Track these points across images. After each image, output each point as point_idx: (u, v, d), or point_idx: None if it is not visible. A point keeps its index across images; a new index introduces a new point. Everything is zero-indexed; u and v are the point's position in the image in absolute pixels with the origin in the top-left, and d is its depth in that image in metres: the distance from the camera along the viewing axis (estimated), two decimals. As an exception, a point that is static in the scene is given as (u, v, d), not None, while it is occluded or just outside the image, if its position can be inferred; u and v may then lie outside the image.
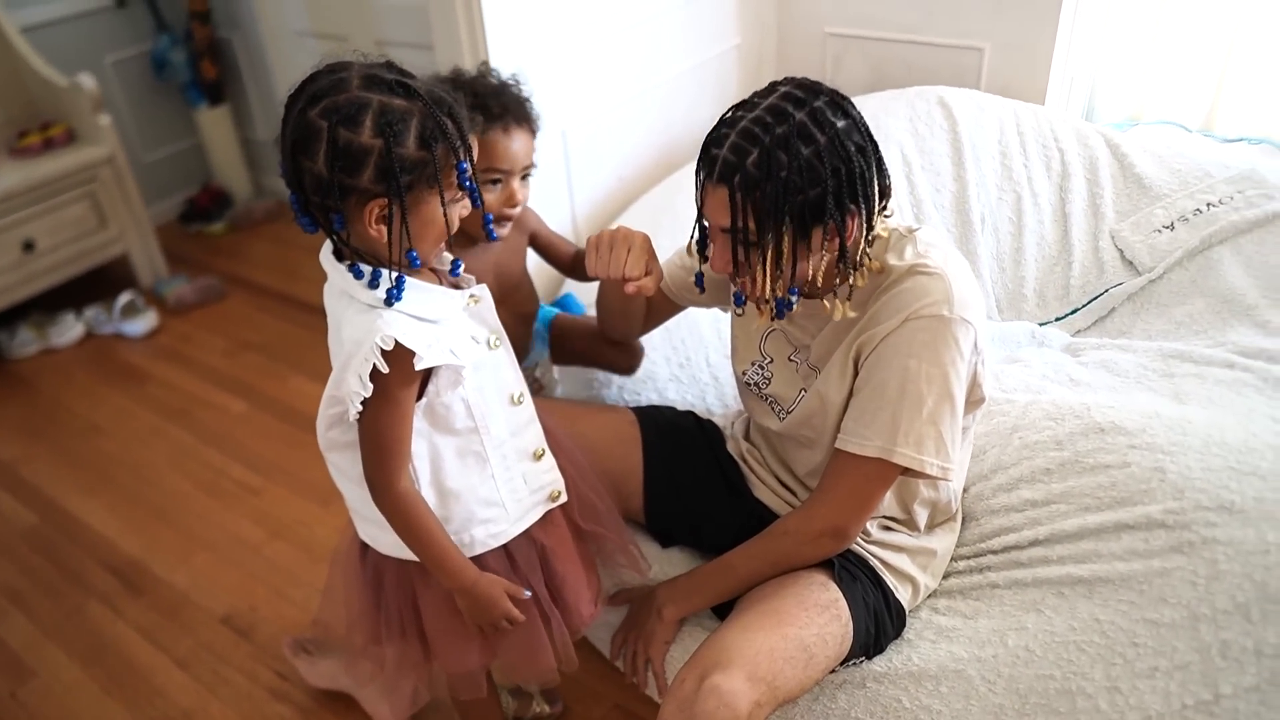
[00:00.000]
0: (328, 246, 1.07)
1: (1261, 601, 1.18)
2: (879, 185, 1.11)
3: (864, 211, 1.10)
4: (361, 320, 1.01)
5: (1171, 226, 1.92)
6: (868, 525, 1.31)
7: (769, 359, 1.33)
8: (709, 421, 1.53)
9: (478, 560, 1.16)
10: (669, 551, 1.50)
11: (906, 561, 1.31)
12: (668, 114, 2.48)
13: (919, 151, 2.11)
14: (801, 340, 1.29)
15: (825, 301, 1.17)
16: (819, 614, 1.17)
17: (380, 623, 1.21)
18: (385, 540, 1.16)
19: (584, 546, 1.30)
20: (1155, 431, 1.36)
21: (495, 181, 1.37)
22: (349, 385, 1.00)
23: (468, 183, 1.02)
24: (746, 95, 1.15)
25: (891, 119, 2.15)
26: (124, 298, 2.83)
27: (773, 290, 1.12)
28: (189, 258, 3.29)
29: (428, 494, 1.12)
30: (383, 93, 0.96)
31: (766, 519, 1.38)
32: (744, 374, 1.37)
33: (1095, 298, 1.93)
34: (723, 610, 1.38)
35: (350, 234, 1.00)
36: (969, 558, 1.39)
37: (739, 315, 1.34)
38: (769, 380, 1.33)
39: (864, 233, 1.12)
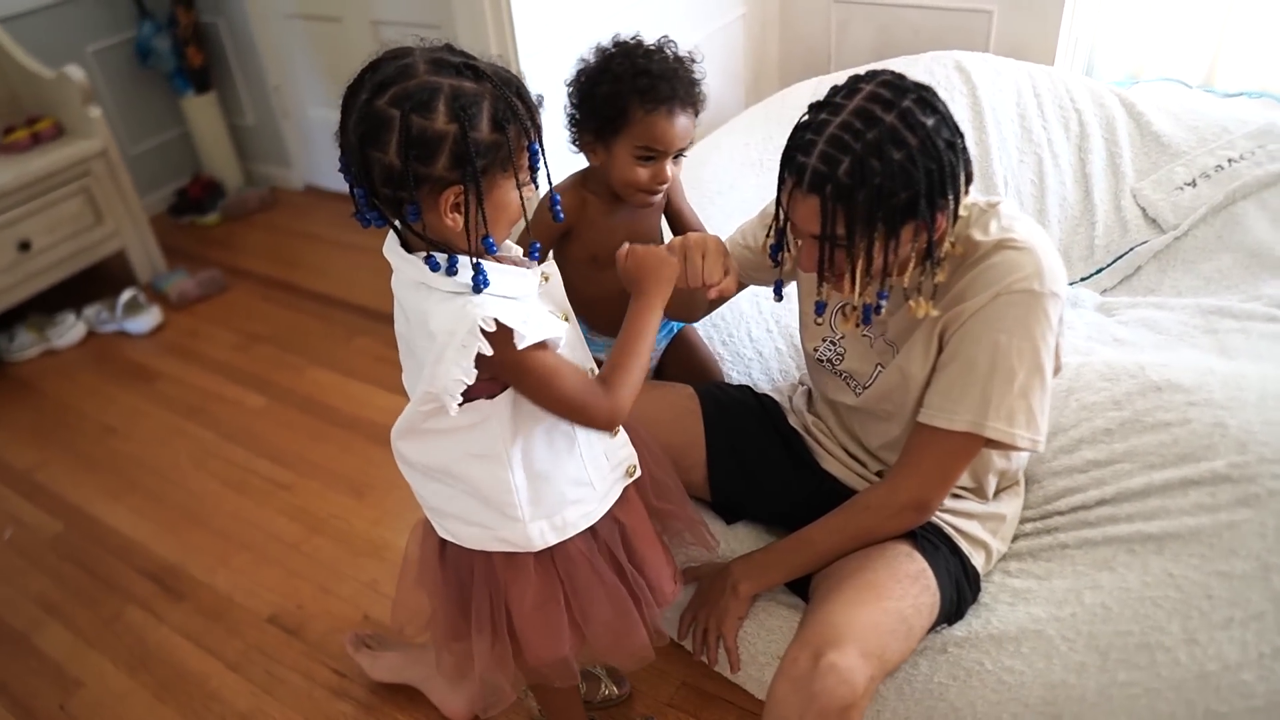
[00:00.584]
0: (392, 239, 1.03)
1: (1333, 549, 1.22)
2: (965, 174, 1.11)
3: (954, 204, 1.10)
4: (449, 308, 0.98)
5: (1194, 183, 1.95)
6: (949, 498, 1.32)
7: (840, 335, 1.34)
8: (767, 396, 1.54)
9: (566, 544, 1.16)
10: (734, 528, 1.51)
11: (978, 528, 1.33)
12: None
13: (940, 117, 2.12)
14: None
15: (911, 302, 1.16)
16: (911, 585, 1.19)
17: (467, 620, 1.20)
18: (467, 534, 1.15)
19: (656, 525, 1.30)
20: (1212, 388, 1.39)
21: (648, 159, 1.36)
22: (449, 375, 0.96)
23: (539, 163, 1.00)
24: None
25: (910, 85, 2.15)
26: (126, 294, 2.77)
27: (861, 296, 1.12)
28: (183, 251, 3.22)
29: (519, 479, 1.09)
30: (451, 76, 0.93)
31: (836, 490, 1.39)
32: (815, 350, 1.37)
33: (1120, 256, 1.96)
34: (797, 586, 1.39)
35: (424, 224, 0.98)
36: (1036, 520, 1.41)
37: (817, 310, 1.31)
38: (842, 356, 1.34)
39: (951, 224, 1.12)
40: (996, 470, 1.34)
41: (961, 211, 1.17)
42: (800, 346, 1.48)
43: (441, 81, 0.92)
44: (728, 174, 2.09)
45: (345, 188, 0.99)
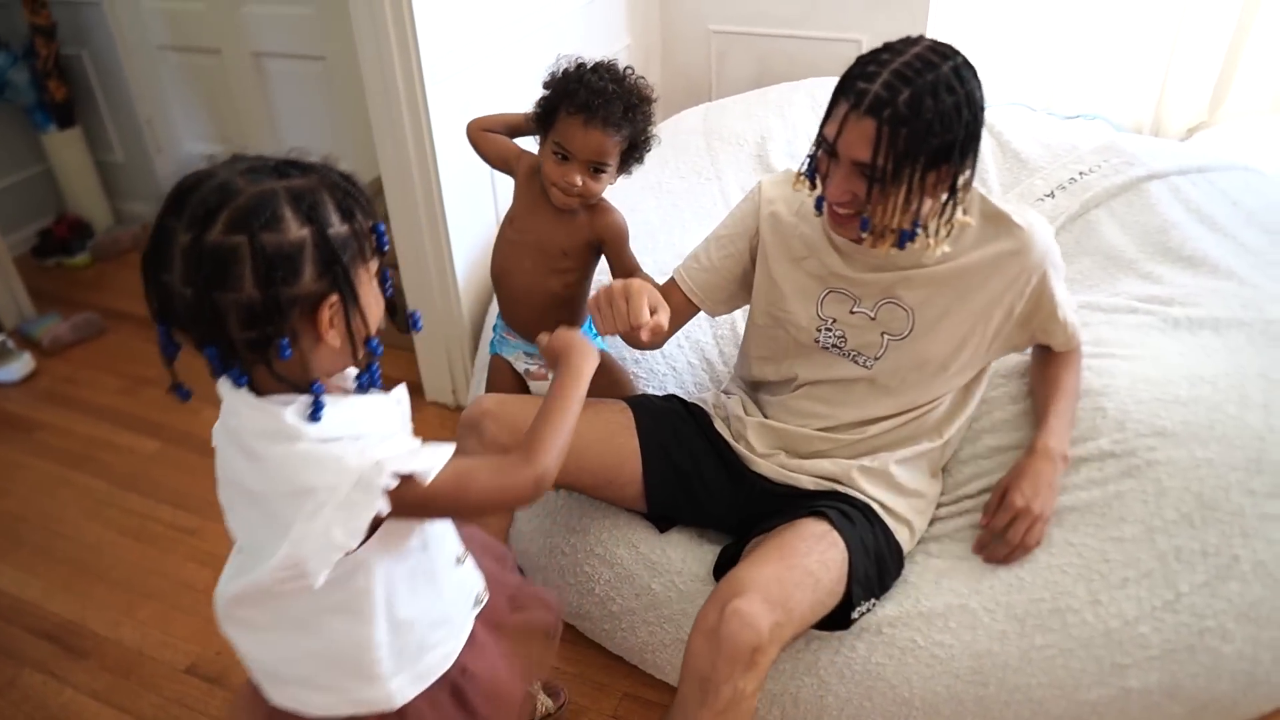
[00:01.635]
0: (226, 383, 0.88)
1: (1201, 509, 1.38)
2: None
3: (974, 164, 1.23)
4: (322, 459, 0.85)
5: (1052, 195, 2.14)
6: (895, 468, 1.44)
7: (832, 319, 1.43)
8: (694, 404, 1.60)
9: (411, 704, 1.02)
10: (668, 535, 1.56)
11: (903, 505, 1.44)
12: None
13: (825, 139, 2.26)
14: (856, 291, 1.39)
15: (930, 238, 1.28)
16: (816, 543, 1.29)
17: None
18: (316, 701, 1.00)
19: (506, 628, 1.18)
20: (1088, 378, 1.54)
21: (563, 157, 1.51)
22: (325, 538, 0.84)
23: (385, 244, 0.91)
24: None
25: (796, 110, 2.29)
26: (-8, 343, 2.60)
27: (899, 222, 1.22)
28: (53, 294, 3.04)
29: (382, 632, 0.96)
30: (277, 178, 0.83)
31: (768, 490, 1.46)
32: (817, 340, 1.45)
33: (994, 263, 2.13)
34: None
35: (301, 355, 0.85)
36: (950, 504, 1.53)
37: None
38: (844, 338, 1.43)
39: (968, 183, 1.25)
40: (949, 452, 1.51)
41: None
42: (748, 353, 1.56)
43: (274, 187, 0.82)
44: (627, 198, 2.16)
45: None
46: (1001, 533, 1.39)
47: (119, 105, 3.20)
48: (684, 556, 1.52)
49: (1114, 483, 1.43)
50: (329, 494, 0.84)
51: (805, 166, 1.32)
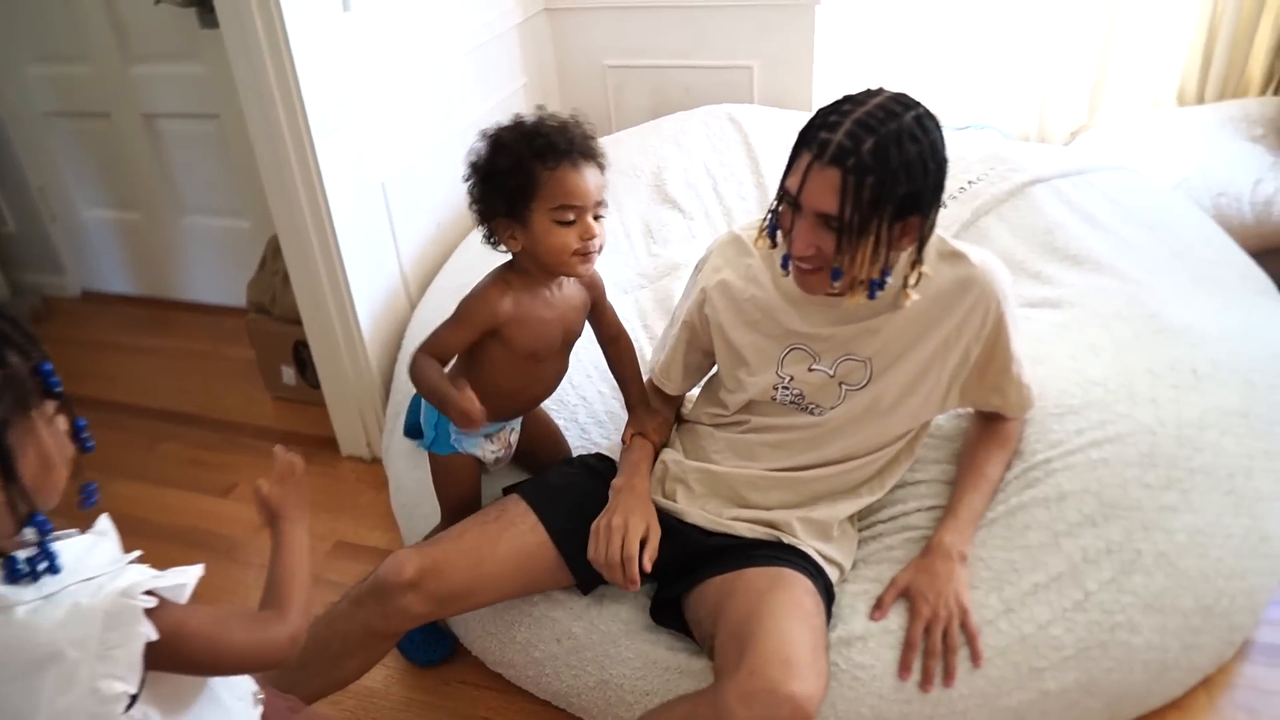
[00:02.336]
0: None
1: (1101, 508, 1.42)
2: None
3: (936, 213, 1.22)
4: (52, 616, 0.74)
5: (944, 204, 2.20)
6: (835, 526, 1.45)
7: (789, 377, 1.41)
8: (596, 457, 1.59)
9: None
10: (596, 594, 1.53)
11: (835, 550, 1.45)
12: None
13: (720, 165, 2.29)
14: (816, 347, 1.38)
15: (909, 291, 1.27)
16: (815, 604, 1.31)
17: None
18: None
19: None
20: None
21: (569, 222, 1.32)
22: (103, 697, 0.75)
23: (57, 382, 0.82)
24: None
25: (691, 139, 2.32)
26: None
27: (870, 272, 1.20)
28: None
29: None
30: None
31: (701, 539, 1.45)
32: (774, 398, 1.43)
33: (895, 276, 2.18)
34: (665, 615, 1.46)
35: None
36: (864, 530, 1.54)
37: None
38: (802, 395, 1.41)
39: (931, 232, 1.23)
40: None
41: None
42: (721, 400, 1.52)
43: None
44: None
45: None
46: (921, 643, 1.35)
47: (9, 175, 3.09)
48: (601, 597, 1.51)
49: (1015, 496, 1.47)
50: (79, 648, 0.74)
51: (767, 222, 1.29)
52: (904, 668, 1.33)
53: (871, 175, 1.13)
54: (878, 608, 1.39)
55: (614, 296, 2.00)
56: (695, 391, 1.65)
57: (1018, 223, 2.09)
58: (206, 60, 2.51)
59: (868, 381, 1.38)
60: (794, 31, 2.54)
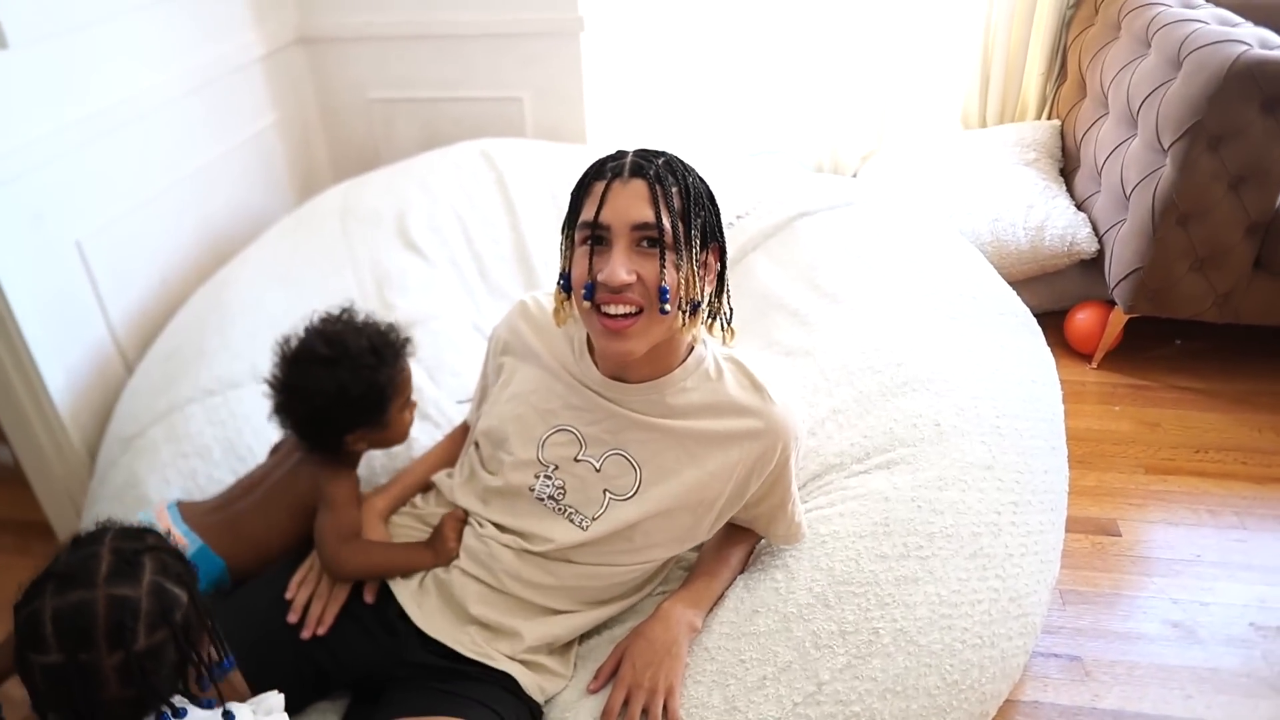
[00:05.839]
0: None
1: (834, 585, 1.29)
2: None
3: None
4: None
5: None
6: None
7: (553, 466, 1.24)
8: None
9: None
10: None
11: (555, 661, 1.28)
12: (207, 203, 2.26)
13: (471, 207, 2.11)
14: (591, 433, 1.24)
15: (712, 330, 1.20)
16: None
17: None
18: None
19: None
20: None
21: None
22: None
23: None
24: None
25: (439, 179, 2.13)
26: None
27: (698, 290, 1.11)
28: None
29: None
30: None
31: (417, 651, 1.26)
32: (532, 490, 1.25)
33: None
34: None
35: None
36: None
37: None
38: (563, 491, 1.24)
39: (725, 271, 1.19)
40: None
41: None
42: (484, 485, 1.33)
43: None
44: (251, 291, 1.93)
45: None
46: (621, 713, 1.20)
47: None
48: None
49: (744, 577, 1.33)
50: None
51: (561, 284, 1.16)
52: None
53: (675, 184, 1.10)
54: (596, 678, 1.26)
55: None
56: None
57: (783, 258, 1.98)
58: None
59: (634, 493, 1.22)
60: (561, 61, 2.40)
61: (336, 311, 1.38)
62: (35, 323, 1.78)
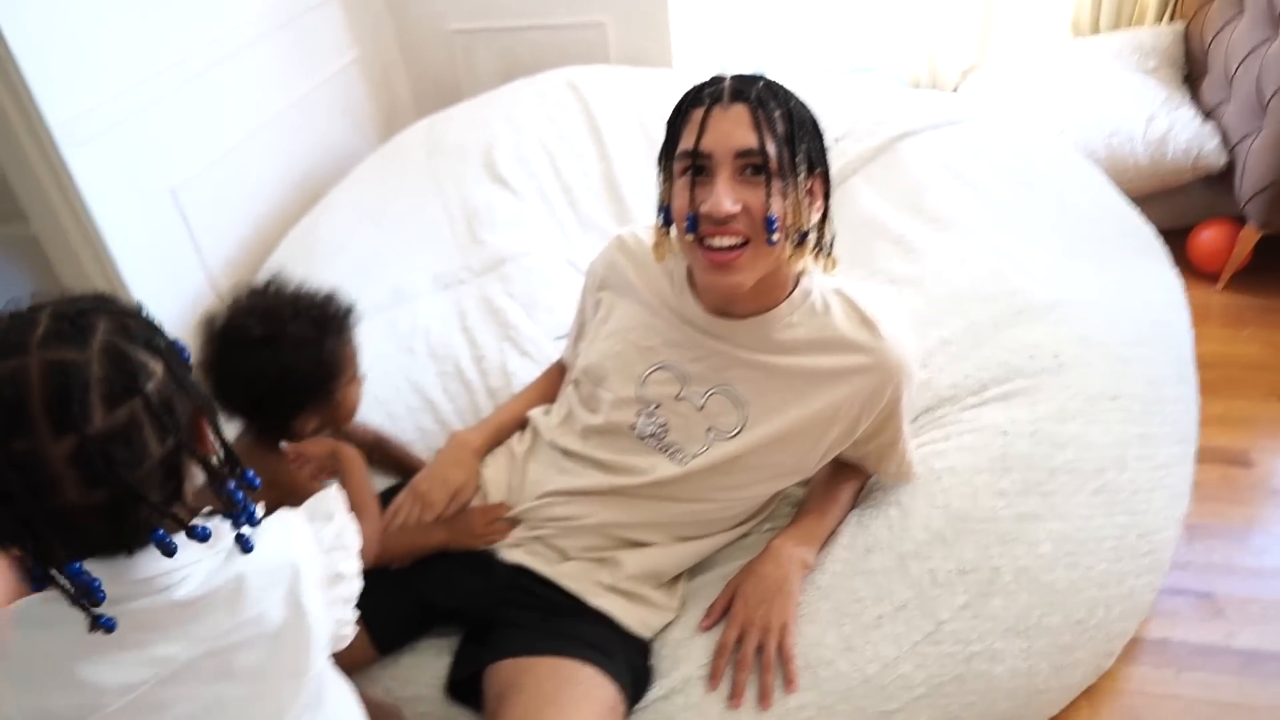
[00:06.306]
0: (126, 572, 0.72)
1: (951, 523, 1.25)
2: None
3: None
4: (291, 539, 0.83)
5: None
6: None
7: (655, 404, 1.22)
8: None
9: None
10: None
11: (646, 587, 1.26)
12: (293, 145, 2.26)
13: (558, 138, 2.06)
14: (693, 371, 1.20)
15: (821, 258, 1.13)
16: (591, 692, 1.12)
17: None
18: None
19: None
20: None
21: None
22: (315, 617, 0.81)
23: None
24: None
25: (524, 111, 2.08)
26: None
27: (805, 218, 1.07)
28: None
29: None
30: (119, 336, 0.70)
31: (517, 583, 1.26)
32: (634, 427, 1.24)
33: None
34: (462, 692, 1.26)
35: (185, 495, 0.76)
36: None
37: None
38: (665, 429, 1.22)
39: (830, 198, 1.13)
40: None
41: None
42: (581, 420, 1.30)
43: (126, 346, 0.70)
44: (341, 234, 1.93)
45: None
46: (734, 650, 1.19)
47: None
48: (410, 680, 1.30)
49: (856, 513, 1.29)
50: (308, 568, 0.82)
51: (660, 218, 1.14)
52: (713, 675, 1.18)
53: (778, 108, 1.04)
54: (708, 615, 1.24)
55: (431, 293, 1.79)
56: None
57: (885, 182, 1.90)
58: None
59: (739, 431, 1.19)
60: (648, -19, 2.30)
61: (262, 285, 1.22)
62: (137, 273, 1.81)
